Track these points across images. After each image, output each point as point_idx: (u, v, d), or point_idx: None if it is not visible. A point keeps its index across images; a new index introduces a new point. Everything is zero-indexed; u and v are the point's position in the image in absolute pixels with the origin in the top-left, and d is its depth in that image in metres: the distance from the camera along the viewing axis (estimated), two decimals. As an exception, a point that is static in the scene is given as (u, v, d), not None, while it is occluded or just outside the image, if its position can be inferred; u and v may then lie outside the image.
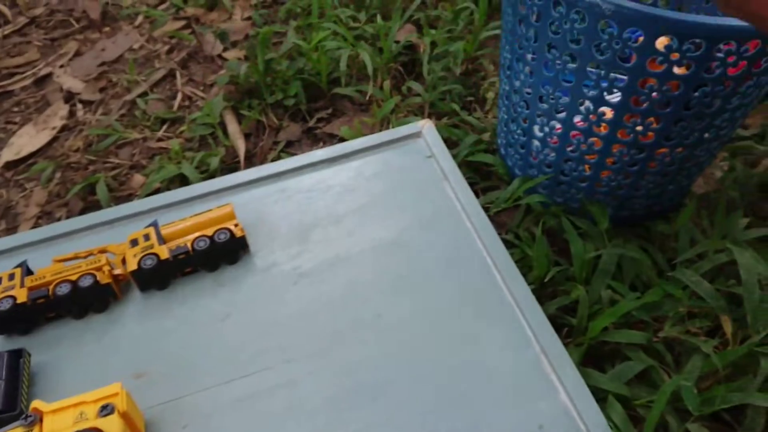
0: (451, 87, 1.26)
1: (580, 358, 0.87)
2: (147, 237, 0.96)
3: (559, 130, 0.99)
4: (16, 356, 0.86)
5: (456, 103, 1.25)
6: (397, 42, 1.39)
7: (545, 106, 0.98)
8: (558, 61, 0.91)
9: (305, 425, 0.79)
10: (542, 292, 0.96)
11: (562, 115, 0.97)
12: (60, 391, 0.83)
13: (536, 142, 1.05)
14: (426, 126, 1.14)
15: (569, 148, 1.00)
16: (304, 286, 0.94)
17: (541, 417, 0.77)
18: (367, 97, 1.29)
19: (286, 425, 0.79)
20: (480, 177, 1.15)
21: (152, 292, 0.95)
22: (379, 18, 1.40)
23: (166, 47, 1.60)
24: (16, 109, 1.48)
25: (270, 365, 0.85)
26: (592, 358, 0.90)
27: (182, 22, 1.68)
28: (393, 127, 1.20)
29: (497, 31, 1.40)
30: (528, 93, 1.01)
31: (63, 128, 1.37)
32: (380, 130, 1.23)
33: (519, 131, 1.07)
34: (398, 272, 0.94)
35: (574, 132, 0.98)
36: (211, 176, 1.16)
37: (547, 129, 1.01)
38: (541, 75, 0.95)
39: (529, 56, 0.96)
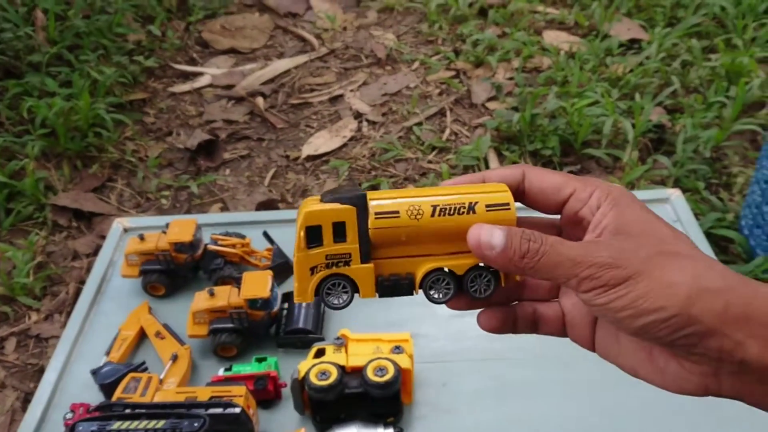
0: (698, 167, 1.33)
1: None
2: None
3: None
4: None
5: (701, 182, 1.31)
6: (650, 120, 1.48)
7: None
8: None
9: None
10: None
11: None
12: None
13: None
14: (675, 194, 1.21)
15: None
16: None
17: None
18: (623, 162, 1.39)
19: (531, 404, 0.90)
20: (718, 250, 1.19)
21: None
22: (638, 96, 1.50)
23: (438, 90, 1.82)
24: (313, 116, 1.77)
25: (522, 358, 0.96)
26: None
27: (452, 72, 1.89)
28: (639, 190, 1.29)
29: (748, 126, 1.44)
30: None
31: (351, 138, 1.61)
32: (625, 192, 1.32)
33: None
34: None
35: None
36: (473, 199, 1.32)
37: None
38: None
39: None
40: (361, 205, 0.42)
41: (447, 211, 0.42)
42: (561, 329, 0.45)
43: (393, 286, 0.44)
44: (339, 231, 0.43)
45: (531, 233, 0.40)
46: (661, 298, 0.36)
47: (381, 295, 0.44)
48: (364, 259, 0.43)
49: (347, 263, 0.43)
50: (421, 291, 0.45)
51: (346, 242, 0.43)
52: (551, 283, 0.46)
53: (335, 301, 0.44)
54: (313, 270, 0.43)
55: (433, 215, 0.42)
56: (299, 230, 0.42)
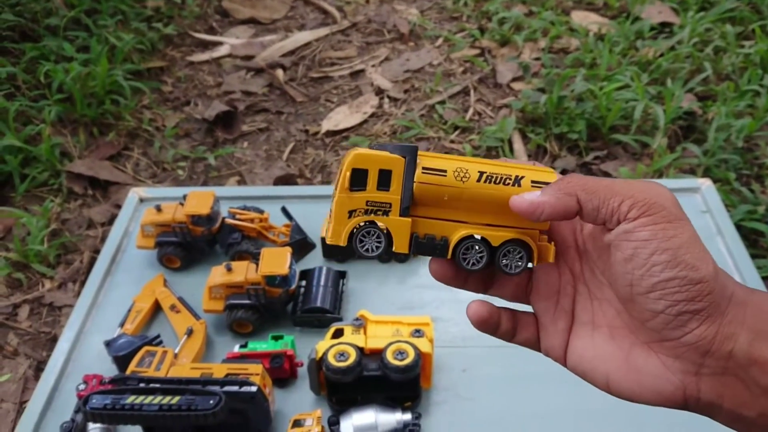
0: (729, 157, 1.29)
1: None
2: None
3: None
4: (339, 276, 1.04)
5: (732, 172, 1.27)
6: (680, 107, 1.44)
7: None
8: None
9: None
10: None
11: None
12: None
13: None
14: (706, 184, 1.17)
15: None
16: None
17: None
18: (651, 149, 1.35)
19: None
20: (747, 243, 1.16)
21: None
22: (669, 82, 1.45)
23: (461, 68, 1.77)
24: (334, 91, 1.73)
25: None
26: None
27: (476, 51, 1.85)
28: (668, 178, 1.25)
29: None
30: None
31: (372, 114, 1.58)
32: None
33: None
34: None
35: None
36: (496, 181, 1.28)
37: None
38: None
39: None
40: (410, 158, 0.42)
41: (493, 179, 0.42)
42: (536, 336, 0.45)
43: (427, 245, 0.44)
44: (384, 179, 0.42)
45: None
46: (699, 258, 0.37)
47: (414, 252, 0.44)
48: (404, 212, 0.43)
49: (386, 213, 0.43)
50: (452, 257, 0.44)
51: (389, 191, 0.42)
52: (518, 282, 0.46)
53: (367, 249, 0.43)
54: (351, 213, 0.43)
55: (479, 180, 0.42)
56: (345, 170, 0.42)
